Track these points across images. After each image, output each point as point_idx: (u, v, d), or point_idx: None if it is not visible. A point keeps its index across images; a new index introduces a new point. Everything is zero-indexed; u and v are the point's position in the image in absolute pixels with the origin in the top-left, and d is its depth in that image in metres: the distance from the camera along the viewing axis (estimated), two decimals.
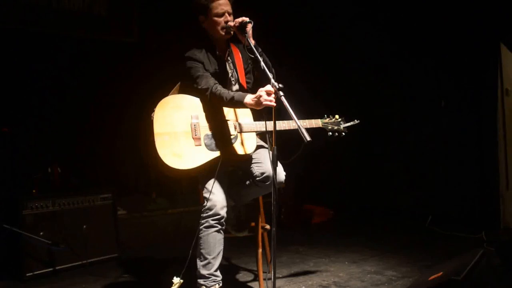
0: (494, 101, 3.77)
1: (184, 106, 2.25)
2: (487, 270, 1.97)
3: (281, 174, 2.27)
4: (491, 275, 2.00)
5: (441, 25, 3.99)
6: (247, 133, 2.27)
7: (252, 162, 2.28)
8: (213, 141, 2.22)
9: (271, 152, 2.21)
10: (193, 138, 2.20)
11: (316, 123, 2.38)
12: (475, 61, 3.82)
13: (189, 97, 2.28)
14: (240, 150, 2.24)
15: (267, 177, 2.21)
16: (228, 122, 2.26)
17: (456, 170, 3.98)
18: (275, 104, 2.03)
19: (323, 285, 2.55)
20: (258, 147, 2.33)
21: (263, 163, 2.25)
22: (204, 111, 2.27)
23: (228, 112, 2.29)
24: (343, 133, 2.43)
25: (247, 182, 2.32)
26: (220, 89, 2.20)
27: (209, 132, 2.23)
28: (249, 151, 2.25)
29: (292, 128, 2.23)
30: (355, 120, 2.48)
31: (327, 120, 2.41)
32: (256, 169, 2.25)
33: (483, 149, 3.83)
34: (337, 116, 2.44)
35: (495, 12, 3.64)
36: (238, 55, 2.39)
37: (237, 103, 2.16)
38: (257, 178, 2.24)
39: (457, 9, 3.87)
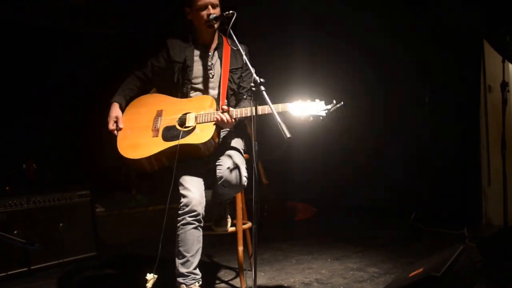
0: (477, 97, 3.78)
1: (150, 102, 2.33)
2: (467, 266, 1.96)
3: (241, 177, 2.16)
4: (470, 271, 1.99)
5: (425, 20, 3.99)
6: (205, 123, 2.20)
7: (216, 163, 2.21)
8: (170, 132, 2.21)
9: (237, 153, 2.23)
10: (152, 130, 2.23)
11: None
12: (459, 58, 3.83)
13: (158, 95, 2.36)
14: (193, 140, 2.16)
15: (226, 181, 2.15)
16: (189, 114, 2.23)
17: (439, 166, 4.00)
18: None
19: (305, 282, 2.52)
20: (228, 147, 2.27)
21: (223, 165, 2.17)
22: (168, 105, 2.30)
23: (191, 104, 2.28)
24: (321, 117, 2.08)
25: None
26: (128, 79, 2.37)
27: (169, 125, 2.24)
28: (202, 140, 2.15)
29: (266, 113, 2.03)
30: (334, 101, 2.07)
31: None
32: (217, 172, 2.18)
33: (466, 145, 3.85)
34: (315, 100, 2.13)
35: (479, 9, 3.65)
36: (227, 52, 2.35)
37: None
38: (218, 182, 2.18)
39: (441, 5, 3.87)
